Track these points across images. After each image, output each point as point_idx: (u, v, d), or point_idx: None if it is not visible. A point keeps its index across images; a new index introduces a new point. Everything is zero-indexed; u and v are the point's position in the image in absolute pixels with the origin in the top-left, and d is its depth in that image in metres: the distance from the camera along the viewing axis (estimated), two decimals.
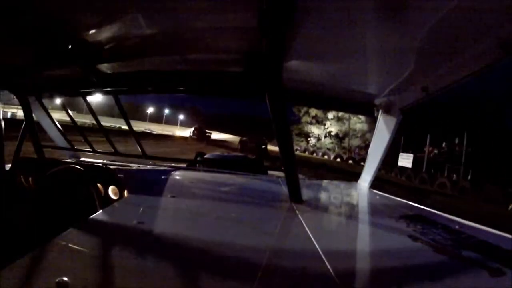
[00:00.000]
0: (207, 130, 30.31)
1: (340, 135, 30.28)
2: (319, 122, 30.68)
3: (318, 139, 31.54)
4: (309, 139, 32.38)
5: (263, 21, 0.71)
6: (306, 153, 29.71)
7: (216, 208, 0.94)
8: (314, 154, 29.01)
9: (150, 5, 0.76)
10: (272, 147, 20.23)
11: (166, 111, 58.31)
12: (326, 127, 30.62)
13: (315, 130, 31.25)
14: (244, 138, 20.53)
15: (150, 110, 53.38)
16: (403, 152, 16.10)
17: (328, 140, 31.09)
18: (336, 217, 1.02)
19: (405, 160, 15.62)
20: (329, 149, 30.12)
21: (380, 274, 0.57)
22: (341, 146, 30.26)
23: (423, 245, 0.69)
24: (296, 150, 29.69)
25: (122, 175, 1.10)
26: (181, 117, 58.11)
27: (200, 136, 27.50)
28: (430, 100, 1.09)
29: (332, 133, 30.84)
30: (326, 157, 27.69)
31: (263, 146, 18.63)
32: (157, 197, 0.99)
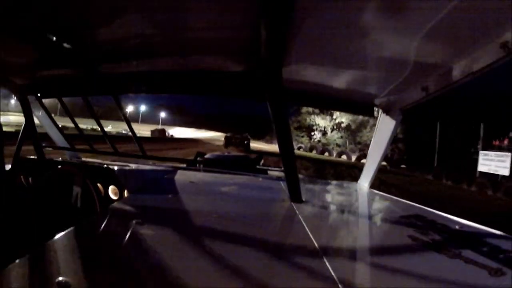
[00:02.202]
0: (166, 131, 34.59)
1: (353, 127, 23.59)
2: (325, 111, 24.84)
3: (324, 133, 25.45)
4: (312, 133, 25.89)
5: (263, 21, 0.71)
6: (314, 152, 23.13)
7: (216, 208, 0.94)
8: (326, 154, 22.49)
9: (150, 5, 0.76)
10: (257, 144, 20.32)
11: (142, 109, 54.47)
12: (334, 117, 24.57)
13: (320, 121, 25.18)
14: (228, 135, 21.82)
15: (130, 109, 51.32)
16: (483, 148, 9.96)
17: (336, 134, 24.59)
18: (336, 217, 1.02)
19: (494, 163, 9.30)
20: (338, 145, 24.01)
21: (380, 274, 0.57)
22: (355, 141, 23.51)
23: (423, 245, 0.69)
24: (300, 148, 24.72)
25: (122, 175, 1.10)
26: (163, 115, 55.55)
27: (159, 135, 31.20)
28: None
29: (343, 125, 24.21)
30: (344, 157, 21.24)
31: (246, 142, 20.00)
32: (157, 197, 0.99)
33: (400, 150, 18.09)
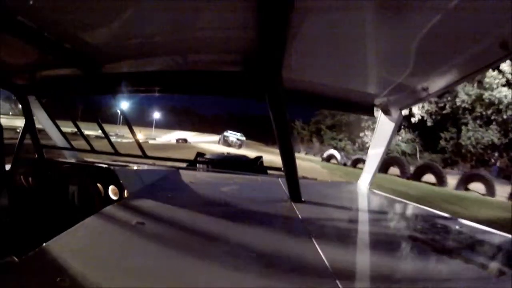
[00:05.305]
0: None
1: (429, 124, 12.54)
2: None
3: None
4: (362, 134, 15.63)
5: (262, 21, 0.71)
6: (396, 171, 11.70)
7: (216, 208, 0.94)
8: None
9: (150, 5, 0.76)
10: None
11: (134, 109, 46.32)
12: None
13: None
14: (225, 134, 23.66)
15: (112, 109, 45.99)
16: None
17: (402, 136, 13.78)
18: (336, 217, 1.02)
19: None
20: (408, 155, 13.35)
21: (379, 273, 0.57)
22: (434, 148, 12.58)
23: (423, 245, 0.69)
24: (357, 163, 14.27)
25: (122, 175, 1.10)
26: (157, 116, 49.49)
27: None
28: None
29: (414, 120, 12.76)
30: (479, 187, 9.77)
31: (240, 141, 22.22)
32: (157, 197, 0.99)
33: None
